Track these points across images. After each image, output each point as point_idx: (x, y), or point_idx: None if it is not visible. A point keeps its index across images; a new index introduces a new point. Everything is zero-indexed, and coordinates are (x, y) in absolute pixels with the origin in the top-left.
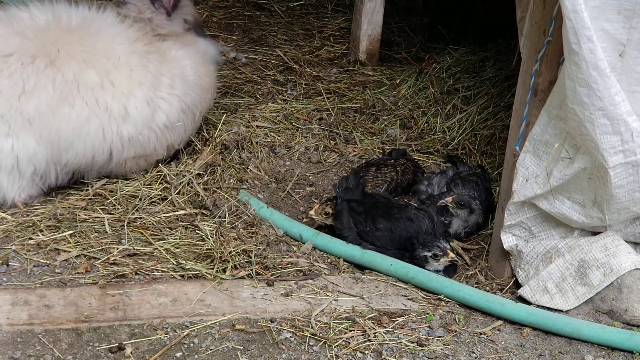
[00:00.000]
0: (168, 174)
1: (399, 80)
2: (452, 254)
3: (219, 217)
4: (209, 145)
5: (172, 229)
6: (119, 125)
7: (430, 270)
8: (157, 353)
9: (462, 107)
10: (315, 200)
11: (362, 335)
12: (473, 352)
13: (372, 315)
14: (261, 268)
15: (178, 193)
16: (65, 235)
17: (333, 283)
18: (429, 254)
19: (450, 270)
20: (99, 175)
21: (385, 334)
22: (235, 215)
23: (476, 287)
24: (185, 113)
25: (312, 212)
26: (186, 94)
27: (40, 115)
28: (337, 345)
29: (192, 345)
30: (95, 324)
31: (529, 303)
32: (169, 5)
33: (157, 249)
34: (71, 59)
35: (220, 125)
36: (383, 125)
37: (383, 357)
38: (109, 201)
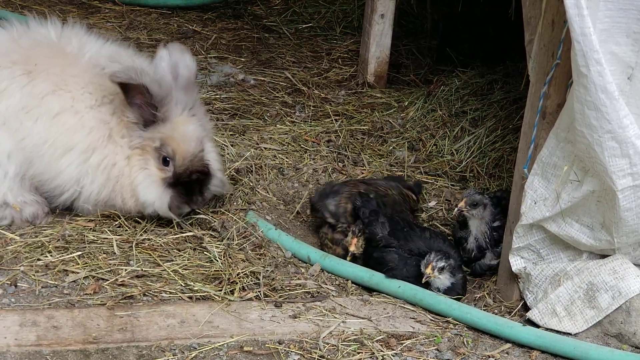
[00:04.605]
0: None
1: (407, 103)
2: (429, 270)
3: (227, 238)
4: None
5: (180, 250)
6: (57, 165)
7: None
8: None
9: (470, 129)
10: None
11: (370, 357)
12: None
13: (380, 337)
14: (269, 290)
15: (186, 215)
16: (73, 257)
17: (341, 305)
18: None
19: (452, 290)
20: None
21: (393, 356)
22: (243, 237)
23: (484, 310)
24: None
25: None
26: (93, 182)
27: (9, 118)
28: None
29: None
30: (104, 345)
31: (537, 326)
32: (147, 115)
33: (165, 270)
34: (47, 77)
35: (230, 149)
36: (391, 147)
37: None
38: (117, 222)
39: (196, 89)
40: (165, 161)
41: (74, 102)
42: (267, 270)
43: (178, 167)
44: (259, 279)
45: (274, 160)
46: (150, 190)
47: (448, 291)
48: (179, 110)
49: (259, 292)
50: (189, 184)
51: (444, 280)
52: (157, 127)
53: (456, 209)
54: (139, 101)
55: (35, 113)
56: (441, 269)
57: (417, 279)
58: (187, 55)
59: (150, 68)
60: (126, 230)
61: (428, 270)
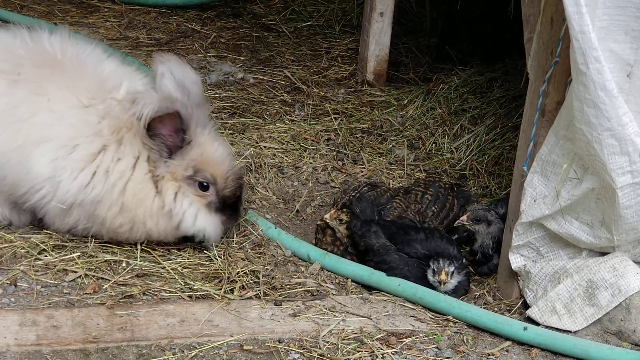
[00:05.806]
0: None
1: (406, 101)
2: (443, 276)
3: (227, 237)
4: None
5: (180, 249)
6: (26, 162)
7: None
8: None
9: (470, 127)
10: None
11: (370, 356)
12: None
13: (380, 335)
14: (269, 288)
15: None
16: (73, 257)
17: (341, 303)
18: (432, 266)
19: (460, 288)
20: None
21: (393, 354)
22: (243, 236)
23: (484, 308)
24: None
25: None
26: (74, 179)
27: None
28: None
29: None
30: (103, 344)
31: (537, 324)
32: (176, 142)
33: (165, 269)
34: (25, 85)
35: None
36: (391, 145)
37: None
38: None
39: (207, 104)
40: (203, 186)
41: (50, 103)
42: (267, 269)
43: (222, 191)
44: (259, 278)
45: (274, 159)
46: (200, 219)
47: (456, 290)
48: (200, 130)
49: (259, 290)
50: (235, 201)
51: (453, 282)
52: (185, 153)
53: (457, 222)
54: (165, 131)
55: (7, 121)
56: (452, 273)
57: (418, 279)
58: (189, 68)
59: (153, 88)
60: None
61: (443, 277)
